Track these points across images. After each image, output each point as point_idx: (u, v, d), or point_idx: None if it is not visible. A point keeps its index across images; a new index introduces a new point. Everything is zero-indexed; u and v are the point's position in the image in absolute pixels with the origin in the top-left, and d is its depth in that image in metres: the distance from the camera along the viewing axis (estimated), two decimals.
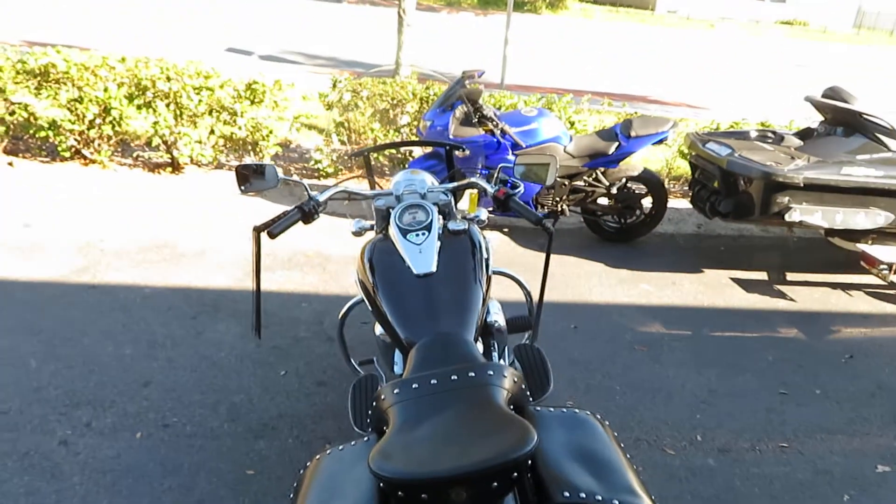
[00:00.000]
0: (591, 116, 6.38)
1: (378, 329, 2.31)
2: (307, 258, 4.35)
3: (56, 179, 5.33)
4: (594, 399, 3.18)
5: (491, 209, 3.09)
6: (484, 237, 2.38)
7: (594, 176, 4.89)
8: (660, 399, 3.24)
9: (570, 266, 4.66)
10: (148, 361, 3.16)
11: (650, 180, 4.93)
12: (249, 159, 5.92)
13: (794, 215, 4.24)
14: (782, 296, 4.52)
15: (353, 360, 2.75)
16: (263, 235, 2.17)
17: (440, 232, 2.22)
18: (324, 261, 4.34)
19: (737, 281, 4.70)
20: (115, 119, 5.41)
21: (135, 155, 5.96)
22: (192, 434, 2.71)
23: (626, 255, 4.99)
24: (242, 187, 2.34)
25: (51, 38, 10.24)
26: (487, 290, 2.22)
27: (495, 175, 2.35)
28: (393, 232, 2.20)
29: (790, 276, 4.84)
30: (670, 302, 4.29)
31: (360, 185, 5.58)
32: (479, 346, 2.12)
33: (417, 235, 2.17)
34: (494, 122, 4.59)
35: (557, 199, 4.90)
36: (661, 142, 4.81)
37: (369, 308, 2.19)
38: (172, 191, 5.36)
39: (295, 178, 2.36)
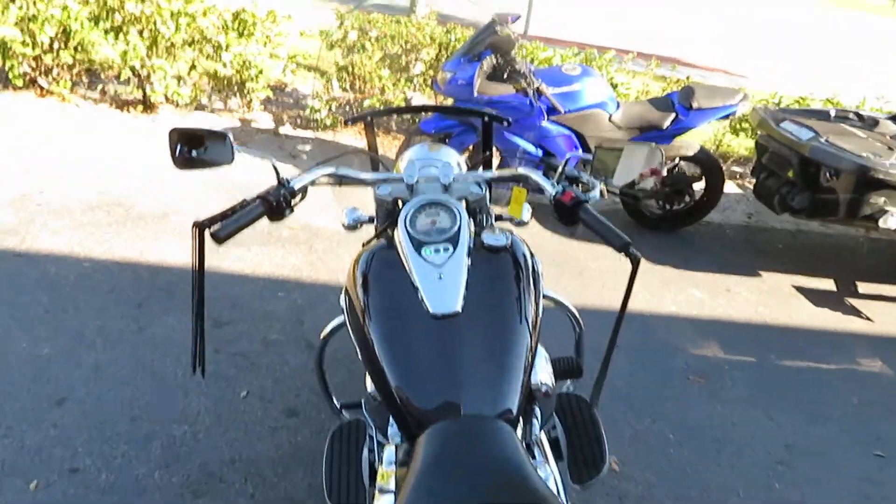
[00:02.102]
0: (632, 79, 5.52)
1: (369, 385, 1.57)
2: (291, 232, 3.58)
3: (2, 111, 4.50)
4: (643, 453, 2.46)
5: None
6: (532, 254, 1.62)
7: None
8: (725, 456, 2.53)
9: (605, 258, 3.89)
10: (68, 367, 2.42)
11: (706, 162, 4.13)
12: (235, 102, 5.09)
13: (890, 221, 3.46)
14: (856, 313, 3.78)
15: (334, 400, 2.01)
16: (208, 236, 1.42)
17: (470, 247, 1.48)
18: (311, 236, 3.57)
19: (801, 290, 3.95)
20: (76, 44, 4.56)
21: (101, 88, 5.11)
22: (108, 487, 1.98)
23: (670, 247, 4.22)
24: (178, 159, 1.57)
25: None
26: (537, 340, 1.47)
27: (559, 169, 1.56)
28: (401, 241, 1.49)
29: (863, 288, 4.09)
30: (726, 315, 3.54)
31: (357, 163, 4.75)
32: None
33: (437, 251, 1.46)
34: (528, 80, 3.76)
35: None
36: (727, 117, 3.99)
37: (357, 348, 1.47)
38: (140, 134, 4.55)
39: (259, 153, 1.55)
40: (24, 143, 4.11)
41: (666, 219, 4.38)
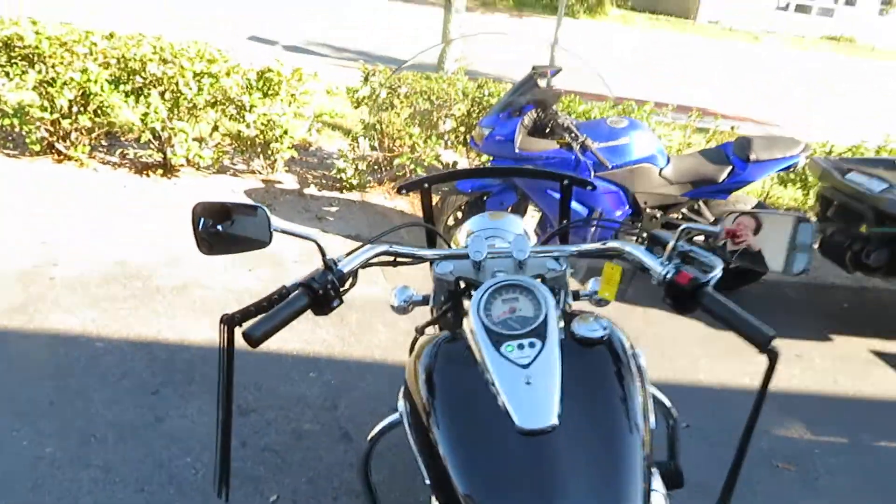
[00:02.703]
0: (673, 132, 5.28)
1: None
2: None
3: (18, 178, 4.32)
4: None
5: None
6: (631, 344, 1.31)
7: (695, 208, 3.80)
8: None
9: (659, 323, 3.56)
10: (74, 469, 2.11)
11: None
12: (259, 163, 4.89)
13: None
14: None
15: None
16: (239, 336, 1.14)
17: (560, 339, 1.19)
18: (344, 306, 3.27)
19: (880, 356, 3.58)
20: (96, 107, 4.40)
21: (120, 152, 4.94)
22: None
23: None
24: (202, 238, 1.31)
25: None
26: (652, 453, 1.20)
27: (671, 244, 1.27)
28: (475, 335, 1.21)
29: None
30: (803, 387, 3.17)
31: (405, 240, 4.53)
32: None
33: (521, 347, 1.18)
34: (574, 135, 3.50)
35: (644, 235, 3.79)
36: (788, 169, 3.69)
37: (419, 461, 1.22)
38: (160, 199, 4.33)
39: (303, 230, 1.26)
40: (39, 212, 3.90)
41: (724, 279, 4.02)
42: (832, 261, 3.74)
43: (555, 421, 1.06)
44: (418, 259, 1.45)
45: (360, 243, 1.38)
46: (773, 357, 1.14)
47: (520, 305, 1.23)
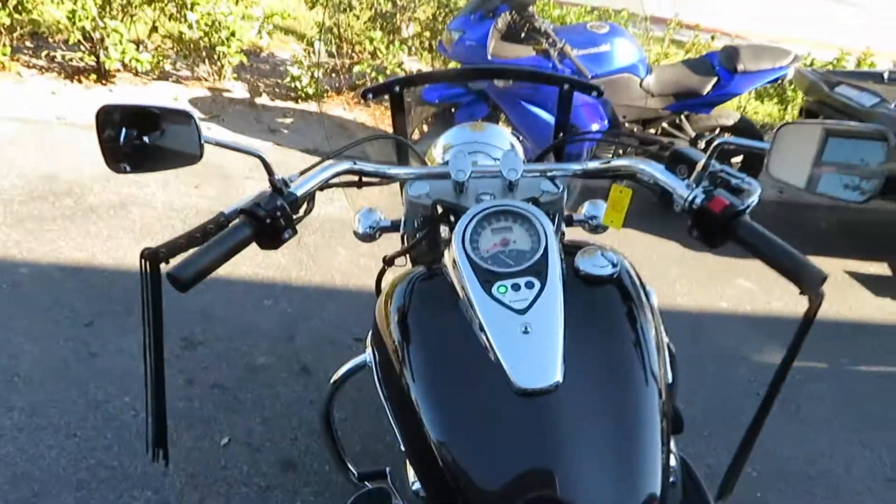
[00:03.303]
0: (650, 43, 4.98)
1: (411, 475, 1.06)
2: None
3: None
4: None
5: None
6: (642, 281, 1.10)
7: (676, 122, 3.57)
8: (821, 496, 2.06)
9: (638, 244, 3.39)
10: None
11: (748, 133, 3.62)
12: (204, 70, 4.46)
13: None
14: None
15: (351, 469, 1.48)
16: (166, 275, 0.89)
17: (563, 279, 0.98)
18: (301, 227, 3.01)
19: (856, 277, 3.50)
20: (16, 2, 3.90)
21: (48, 55, 4.44)
22: None
23: None
24: (116, 153, 1.04)
25: None
26: (670, 411, 1.00)
27: (702, 162, 1.03)
28: (460, 273, 0.99)
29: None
30: (783, 311, 3.07)
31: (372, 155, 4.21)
32: None
33: (516, 288, 0.97)
34: (552, 40, 3.20)
35: (621, 151, 3.58)
36: (775, 81, 3.47)
37: (390, 416, 1.02)
38: (94, 107, 3.91)
39: (243, 144, 0.97)
40: None
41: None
42: None
43: (558, 378, 0.85)
44: (388, 178, 1.20)
45: (318, 160, 1.13)
46: (817, 301, 0.93)
47: (514, 237, 1.01)
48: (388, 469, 1.47)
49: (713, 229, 0.98)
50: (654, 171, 1.09)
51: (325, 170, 1.10)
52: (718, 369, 2.59)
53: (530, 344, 0.88)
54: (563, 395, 0.86)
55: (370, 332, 1.12)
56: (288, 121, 4.27)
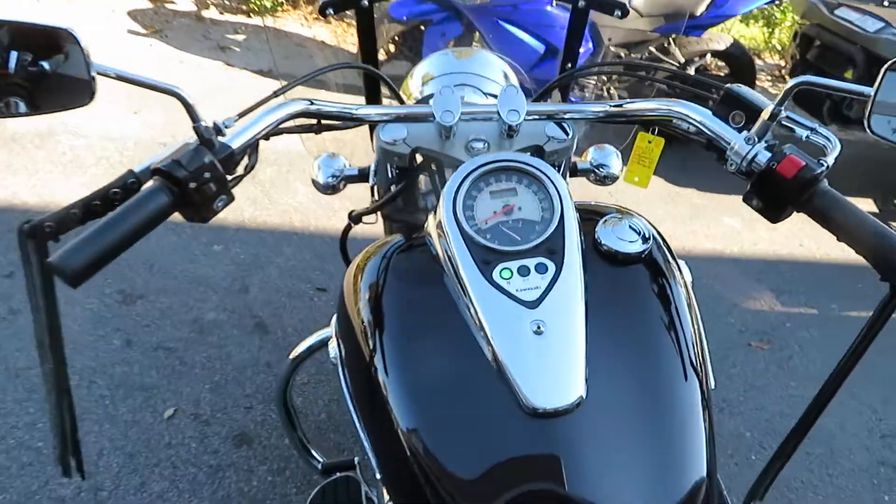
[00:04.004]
0: None
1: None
2: None
3: None
4: (718, 465, 1.86)
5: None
6: (674, 255, 0.87)
7: (664, 46, 3.30)
8: (817, 461, 1.95)
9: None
10: None
11: (739, 59, 3.38)
12: None
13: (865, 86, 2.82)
14: None
15: (315, 455, 1.28)
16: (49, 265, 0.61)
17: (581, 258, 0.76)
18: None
19: None
20: None
21: None
22: None
23: (690, 164, 3.49)
24: (18, 95, 0.76)
25: None
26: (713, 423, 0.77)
27: (773, 106, 0.80)
28: (450, 249, 0.76)
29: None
30: (769, 251, 2.92)
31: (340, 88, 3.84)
32: None
33: (524, 273, 0.74)
34: None
35: (605, 79, 3.31)
36: (772, 2, 3.21)
37: (362, 434, 0.82)
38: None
39: (151, 79, 0.68)
40: None
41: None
42: (808, 111, 3.38)
43: (581, 393, 0.66)
44: (355, 121, 0.94)
45: (261, 100, 0.86)
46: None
47: (519, 202, 0.79)
48: (356, 460, 1.28)
49: (782, 198, 0.77)
50: (701, 116, 0.85)
51: (271, 112, 0.85)
52: (706, 318, 2.42)
53: (544, 348, 0.68)
54: (588, 415, 0.67)
55: (335, 314, 0.91)
56: (240, 37, 3.87)
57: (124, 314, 1.92)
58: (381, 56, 3.40)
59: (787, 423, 2.05)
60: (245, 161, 0.81)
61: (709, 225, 2.99)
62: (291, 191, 2.58)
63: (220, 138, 0.76)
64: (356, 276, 0.86)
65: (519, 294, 0.70)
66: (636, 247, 0.80)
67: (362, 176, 1.09)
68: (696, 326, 0.83)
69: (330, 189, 1.08)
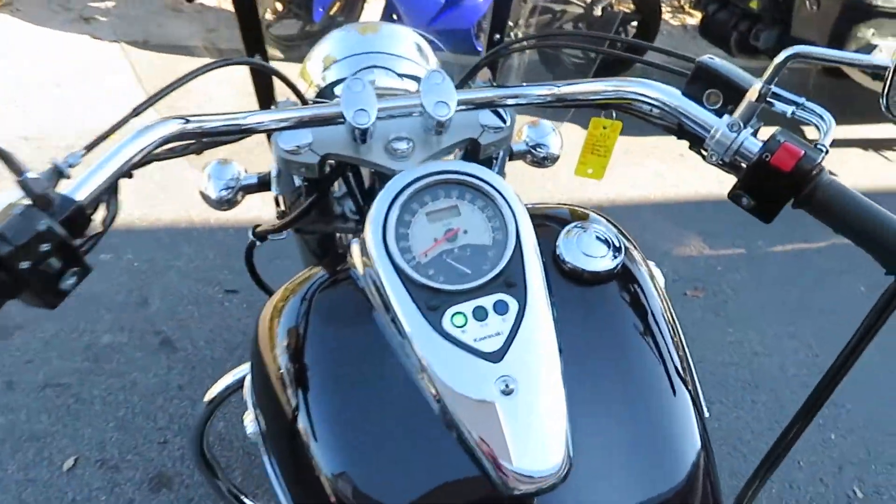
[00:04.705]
0: None
1: None
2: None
3: None
4: None
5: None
6: (645, 260, 0.74)
7: None
8: (763, 404, 1.94)
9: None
10: None
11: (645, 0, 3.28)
12: None
13: (879, 57, 2.83)
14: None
15: (245, 502, 1.11)
16: None
17: (545, 281, 0.62)
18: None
19: None
20: None
21: None
22: None
23: None
24: None
25: None
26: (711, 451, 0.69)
27: (762, 84, 0.66)
28: (388, 298, 0.59)
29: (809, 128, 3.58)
30: (693, 192, 2.89)
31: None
32: None
33: (481, 315, 0.58)
34: None
35: (511, 23, 3.13)
36: None
37: (276, 480, 0.70)
38: None
39: None
40: None
41: (605, 64, 3.48)
42: (713, 43, 3.34)
43: (567, 461, 0.55)
44: (244, 134, 0.75)
45: (116, 123, 0.65)
46: None
47: (463, 223, 0.64)
48: None
49: (778, 195, 0.65)
50: (670, 98, 0.71)
51: (132, 140, 0.64)
52: None
53: (517, 411, 0.55)
54: (578, 486, 0.57)
55: (250, 362, 0.76)
56: (107, 4, 3.45)
57: (0, 351, 1.65)
58: (269, 16, 3.10)
59: (729, 372, 2.03)
60: (102, 212, 0.61)
61: (633, 169, 2.93)
62: (185, 180, 2.31)
63: (60, 190, 0.56)
64: (272, 320, 0.70)
65: (478, 345, 0.57)
66: (607, 262, 0.68)
67: (263, 184, 0.91)
68: (679, 342, 0.72)
69: (225, 204, 0.89)
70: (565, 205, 0.82)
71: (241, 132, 0.73)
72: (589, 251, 0.68)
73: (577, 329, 0.65)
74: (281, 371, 0.66)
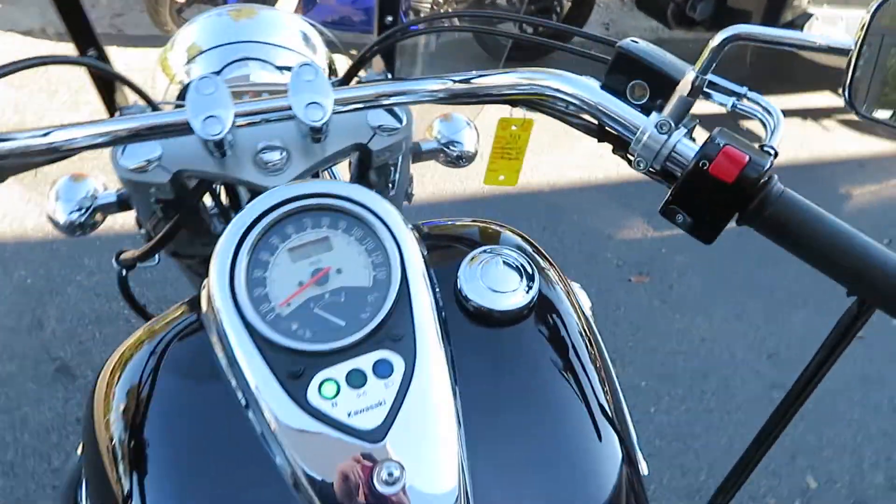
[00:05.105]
0: None
1: None
2: None
3: None
4: None
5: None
6: (567, 282, 0.65)
7: None
8: (713, 393, 1.87)
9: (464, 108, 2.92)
10: None
11: None
12: None
13: (815, 25, 2.80)
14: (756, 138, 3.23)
15: None
16: None
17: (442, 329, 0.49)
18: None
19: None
20: None
21: None
22: None
23: None
24: None
25: None
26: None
27: (697, 72, 0.53)
28: (241, 363, 0.45)
29: None
30: (632, 172, 2.78)
31: None
32: None
33: (357, 382, 0.45)
34: None
35: None
36: None
37: None
38: None
39: None
40: None
41: (523, 47, 3.35)
42: (650, 15, 3.26)
43: None
44: (64, 154, 0.59)
45: None
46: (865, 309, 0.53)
47: (336, 260, 0.52)
48: None
49: (719, 211, 0.53)
50: (585, 92, 0.58)
51: None
52: (584, 258, 2.27)
53: None
54: None
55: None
56: None
57: None
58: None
59: (678, 362, 1.96)
60: None
61: (570, 151, 2.81)
62: None
63: None
64: (110, 380, 0.57)
65: (353, 421, 0.45)
66: (519, 297, 0.56)
67: (123, 203, 0.75)
68: (604, 380, 0.61)
69: (79, 228, 0.74)
70: (471, 222, 0.69)
71: (60, 153, 0.58)
72: (497, 285, 0.56)
73: (483, 387, 0.53)
74: (114, 444, 0.52)
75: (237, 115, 0.55)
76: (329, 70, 0.88)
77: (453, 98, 0.64)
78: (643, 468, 0.60)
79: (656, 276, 2.24)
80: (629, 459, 0.56)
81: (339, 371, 0.46)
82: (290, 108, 0.56)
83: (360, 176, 0.72)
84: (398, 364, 0.47)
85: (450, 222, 0.72)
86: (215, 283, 0.48)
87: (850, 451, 1.76)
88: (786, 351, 2.01)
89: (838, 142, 3.23)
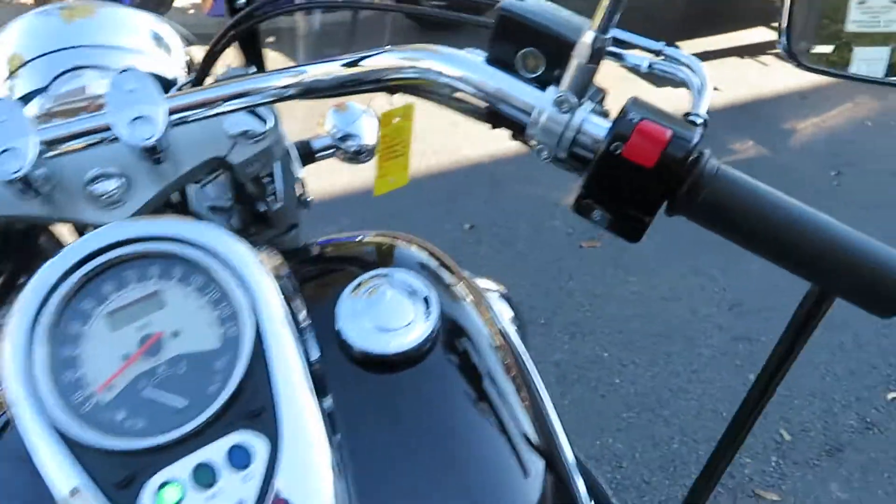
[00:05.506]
0: None
1: None
2: None
3: None
4: (578, 400, 1.65)
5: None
6: (479, 292, 0.54)
7: None
8: (678, 354, 1.81)
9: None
10: None
11: None
12: None
13: None
14: None
15: None
16: None
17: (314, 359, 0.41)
18: None
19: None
20: None
21: None
22: None
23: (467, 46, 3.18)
24: None
25: None
26: None
27: (595, 34, 0.42)
28: (49, 480, 0.33)
29: (687, 48, 3.46)
30: None
31: None
32: None
33: (205, 481, 0.33)
34: None
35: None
36: None
37: None
38: None
39: None
40: None
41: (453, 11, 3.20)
42: None
43: None
44: None
45: None
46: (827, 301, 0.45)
47: (171, 318, 0.39)
48: None
49: (642, 201, 0.42)
50: (468, 70, 0.46)
51: None
52: (532, 229, 2.18)
53: None
54: None
55: None
56: None
57: None
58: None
59: (637, 326, 1.89)
60: None
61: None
62: None
63: None
64: None
65: None
66: (415, 332, 0.46)
67: None
68: (530, 402, 0.51)
69: None
70: (369, 239, 0.58)
71: None
72: (386, 321, 0.45)
73: (378, 452, 0.42)
74: None
75: (45, 144, 0.44)
76: (189, 72, 0.75)
77: (316, 92, 0.52)
78: (580, 490, 0.51)
79: (606, 240, 2.16)
80: (561, 488, 0.47)
81: (183, 468, 0.35)
82: (108, 129, 0.44)
83: (238, 191, 0.61)
84: (259, 447, 0.36)
85: (346, 238, 0.62)
86: (8, 376, 0.37)
87: (820, 396, 1.71)
88: (749, 300, 1.95)
89: (778, 76, 3.18)
